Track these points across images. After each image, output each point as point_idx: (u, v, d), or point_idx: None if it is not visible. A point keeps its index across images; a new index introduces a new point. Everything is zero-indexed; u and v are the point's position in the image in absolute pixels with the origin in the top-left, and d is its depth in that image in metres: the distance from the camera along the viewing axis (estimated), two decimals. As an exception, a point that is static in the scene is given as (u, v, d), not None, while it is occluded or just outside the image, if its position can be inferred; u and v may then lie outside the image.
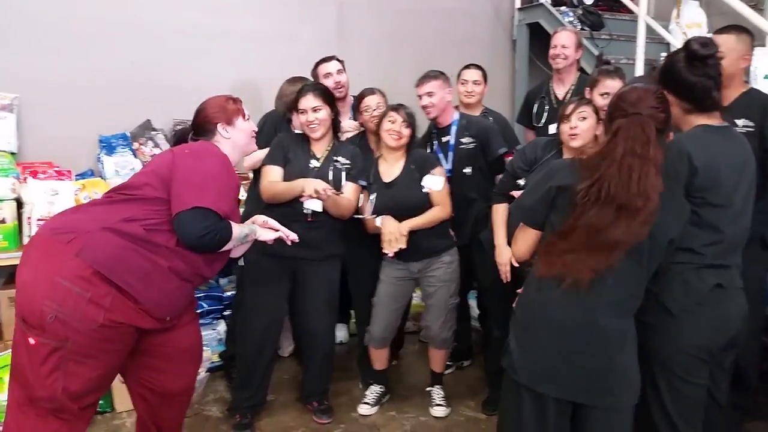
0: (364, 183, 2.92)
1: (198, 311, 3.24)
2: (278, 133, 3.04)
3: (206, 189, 1.97)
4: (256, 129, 2.36)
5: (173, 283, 1.97)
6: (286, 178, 2.80)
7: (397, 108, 2.91)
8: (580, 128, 2.55)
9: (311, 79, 3.34)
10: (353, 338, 3.92)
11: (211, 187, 1.99)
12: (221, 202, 2.00)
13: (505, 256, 2.70)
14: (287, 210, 2.73)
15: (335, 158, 2.86)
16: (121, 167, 3.55)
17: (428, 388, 3.17)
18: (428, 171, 2.88)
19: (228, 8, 4.05)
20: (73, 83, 3.63)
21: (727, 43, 2.88)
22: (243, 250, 2.31)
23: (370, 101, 3.14)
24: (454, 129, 3.19)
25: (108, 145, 3.66)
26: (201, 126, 2.23)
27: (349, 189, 2.86)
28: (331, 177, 2.80)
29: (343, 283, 3.14)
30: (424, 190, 2.86)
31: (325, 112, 2.82)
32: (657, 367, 1.95)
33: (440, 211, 2.88)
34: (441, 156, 3.18)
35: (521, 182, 2.69)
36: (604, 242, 1.69)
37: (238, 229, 2.09)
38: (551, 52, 3.53)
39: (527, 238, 1.93)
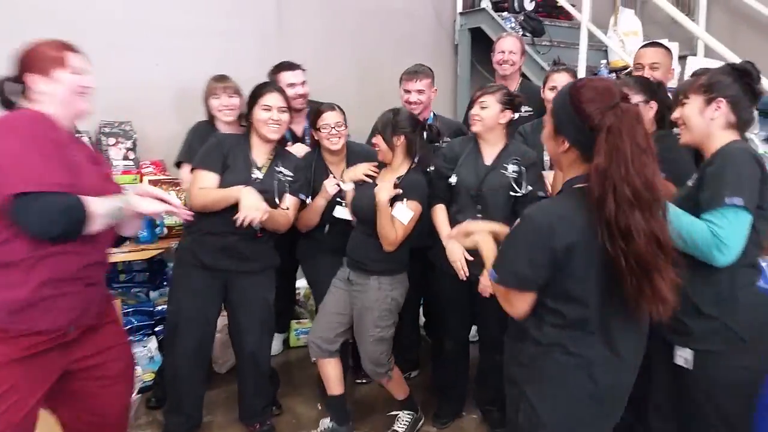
0: (304, 197, 2.76)
1: (127, 327, 3.08)
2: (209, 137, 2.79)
3: (20, 169, 1.62)
4: (87, 86, 1.89)
5: (47, 291, 1.72)
6: (223, 187, 2.56)
7: (383, 127, 2.64)
8: (480, 116, 2.68)
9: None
10: (291, 350, 3.83)
11: (25, 163, 1.63)
12: (49, 175, 1.65)
13: (456, 253, 2.63)
14: (216, 219, 2.52)
15: (278, 169, 2.68)
16: (40, 172, 3.26)
17: (394, 412, 2.98)
18: (402, 198, 2.60)
19: (160, 3, 3.81)
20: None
21: (660, 57, 2.97)
22: (135, 228, 2.05)
23: (329, 118, 2.83)
24: (429, 122, 3.16)
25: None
26: (17, 78, 1.84)
27: (290, 203, 2.69)
28: (275, 189, 2.63)
29: (280, 291, 2.97)
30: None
31: (287, 116, 2.66)
32: (725, 397, 1.89)
33: (390, 236, 2.59)
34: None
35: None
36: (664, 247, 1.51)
37: (102, 204, 1.73)
38: (498, 57, 3.48)
39: (526, 299, 1.61)
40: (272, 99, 2.62)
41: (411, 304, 3.12)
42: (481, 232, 1.83)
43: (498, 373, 2.88)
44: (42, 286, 1.71)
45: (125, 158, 3.47)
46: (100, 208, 1.71)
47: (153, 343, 3.34)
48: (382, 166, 2.75)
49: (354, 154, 2.97)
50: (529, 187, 2.65)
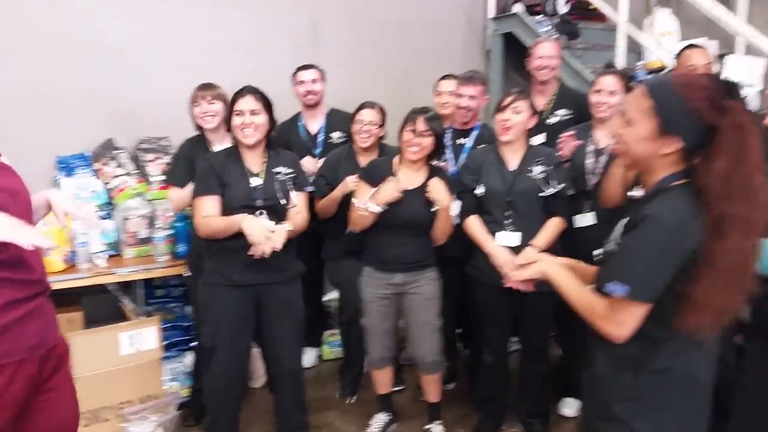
0: (311, 189, 2.73)
1: (164, 343, 3.10)
2: (198, 160, 2.75)
3: None
4: None
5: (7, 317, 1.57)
6: (227, 205, 2.55)
7: (416, 115, 2.67)
8: (513, 121, 2.66)
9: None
10: (325, 363, 3.81)
11: None
12: None
13: (503, 256, 2.62)
14: (234, 238, 2.48)
15: (276, 170, 2.64)
16: (81, 189, 3.31)
17: (426, 427, 2.99)
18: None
19: (195, 20, 3.85)
20: (28, 100, 3.39)
21: (700, 58, 2.88)
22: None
23: (364, 115, 3.05)
24: (474, 134, 3.18)
25: (66, 166, 3.42)
26: None
27: (299, 199, 2.67)
28: (278, 191, 2.60)
29: (310, 304, 2.99)
30: (433, 209, 2.67)
31: (263, 117, 2.58)
32: None
33: (446, 230, 2.73)
34: (450, 156, 3.10)
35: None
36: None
37: None
38: (536, 63, 3.41)
39: (641, 314, 1.46)
40: (242, 103, 2.54)
41: (447, 315, 3.07)
42: (545, 261, 1.74)
43: (540, 384, 2.88)
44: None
45: (163, 173, 3.50)
46: None
47: (189, 359, 3.35)
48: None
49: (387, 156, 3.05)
50: (559, 186, 2.68)
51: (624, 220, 1.58)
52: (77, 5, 3.50)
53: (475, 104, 3.15)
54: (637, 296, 1.43)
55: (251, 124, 2.54)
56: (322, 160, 3.26)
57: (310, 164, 3.24)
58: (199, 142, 3.01)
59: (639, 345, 1.49)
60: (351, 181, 2.92)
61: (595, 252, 1.77)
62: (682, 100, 1.43)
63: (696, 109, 1.41)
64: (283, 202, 2.59)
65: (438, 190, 2.63)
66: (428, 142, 2.65)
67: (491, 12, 4.90)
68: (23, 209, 1.71)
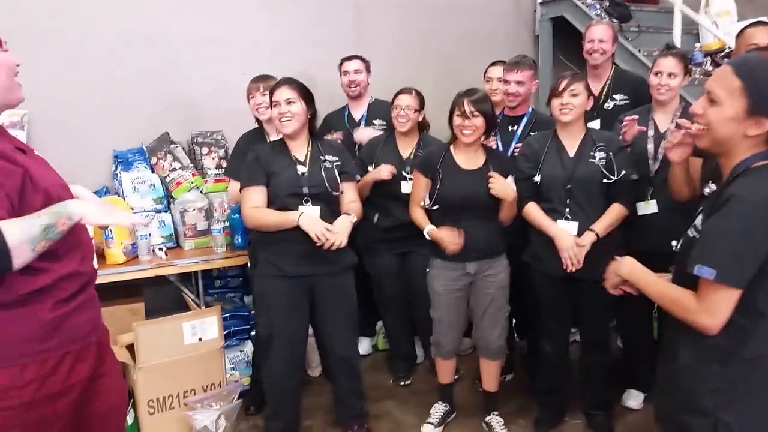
0: (359, 177, 2.72)
1: (225, 332, 3.15)
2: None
3: None
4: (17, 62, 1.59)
5: (57, 310, 1.54)
6: (273, 194, 2.57)
7: (463, 97, 2.64)
8: (572, 104, 2.61)
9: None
10: (380, 353, 3.83)
11: None
12: None
13: (568, 240, 2.59)
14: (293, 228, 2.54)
15: (322, 158, 2.65)
16: (139, 183, 3.38)
17: (486, 418, 2.96)
18: (507, 176, 2.71)
19: (243, 16, 3.89)
20: (85, 97, 3.46)
21: (764, 36, 2.75)
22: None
23: (402, 100, 3.13)
24: (524, 121, 3.14)
25: (124, 161, 3.49)
26: None
27: (349, 188, 2.71)
28: (325, 179, 2.61)
29: (363, 293, 3.00)
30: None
31: (299, 106, 2.58)
32: None
33: (511, 214, 2.74)
34: (500, 144, 3.10)
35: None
36: None
37: (22, 228, 1.38)
38: (588, 46, 3.34)
39: (733, 301, 1.41)
40: (278, 94, 2.58)
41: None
42: (622, 263, 1.76)
43: (602, 375, 2.83)
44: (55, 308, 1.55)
45: (218, 167, 3.55)
46: (24, 234, 1.38)
47: (249, 347, 3.40)
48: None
49: (426, 144, 3.18)
50: (622, 172, 2.62)
51: (704, 208, 1.54)
52: (133, 3, 3.56)
53: (523, 90, 3.10)
54: (726, 280, 1.39)
55: (287, 113, 2.57)
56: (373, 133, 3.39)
57: (368, 132, 3.34)
58: (256, 134, 3.05)
59: (727, 334, 1.45)
60: (386, 171, 3.03)
61: (674, 243, 1.70)
62: None
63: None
64: (330, 189, 2.60)
65: (500, 187, 2.62)
66: (479, 122, 2.63)
67: (540, -4, 4.81)
68: None
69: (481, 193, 2.65)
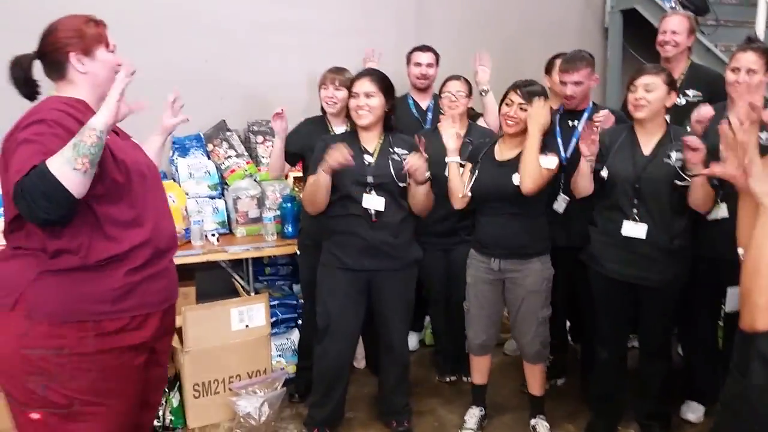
0: (428, 175, 2.65)
1: (272, 319, 3.16)
2: (315, 139, 2.78)
3: (20, 157, 1.49)
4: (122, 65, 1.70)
5: (129, 277, 1.70)
6: (338, 181, 2.54)
7: (516, 88, 2.56)
8: (645, 99, 2.45)
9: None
10: (427, 348, 3.78)
11: (26, 150, 1.50)
12: (34, 157, 1.48)
13: None
14: (349, 219, 2.56)
15: (392, 150, 2.61)
16: (195, 170, 3.42)
17: (532, 421, 2.86)
18: (543, 152, 2.52)
19: (302, 3, 3.88)
20: (143, 82, 3.47)
21: None
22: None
23: (451, 86, 3.07)
24: (585, 116, 2.98)
25: (181, 147, 3.55)
26: (49, 55, 1.69)
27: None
28: (392, 171, 2.56)
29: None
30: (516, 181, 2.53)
31: (377, 100, 2.55)
32: None
33: (539, 179, 2.49)
34: (560, 141, 2.92)
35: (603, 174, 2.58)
36: None
37: (56, 155, 1.47)
38: (659, 38, 3.17)
39: None
40: (358, 85, 2.56)
41: (558, 307, 2.92)
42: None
43: (660, 384, 2.68)
44: (130, 274, 1.70)
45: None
46: (61, 157, 1.46)
47: (296, 335, 3.40)
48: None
49: (475, 131, 3.11)
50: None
51: None
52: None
53: (580, 89, 2.92)
54: None
55: (365, 106, 2.55)
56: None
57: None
58: (320, 122, 3.02)
59: None
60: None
61: (740, 250, 1.56)
62: None
63: None
64: (396, 180, 2.56)
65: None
66: (524, 116, 2.52)
67: (611, -13, 4.61)
68: (157, 180, 1.92)
69: (502, 185, 2.54)
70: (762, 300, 1.29)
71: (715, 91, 2.91)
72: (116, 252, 1.66)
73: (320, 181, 2.49)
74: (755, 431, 1.41)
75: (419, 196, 2.59)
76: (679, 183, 2.42)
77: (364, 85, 2.55)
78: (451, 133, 2.67)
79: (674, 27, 3.14)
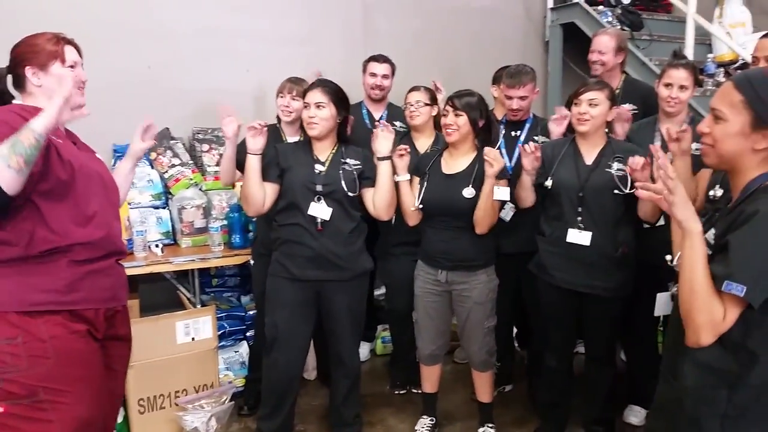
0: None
1: (219, 332, 3.10)
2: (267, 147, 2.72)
3: None
4: (83, 79, 1.92)
5: (73, 269, 1.75)
6: (288, 187, 2.56)
7: (450, 98, 2.63)
8: (590, 114, 2.54)
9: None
10: (378, 358, 3.78)
11: None
12: None
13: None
14: (295, 227, 2.55)
15: (343, 160, 2.61)
16: (138, 179, 3.32)
17: (480, 430, 2.90)
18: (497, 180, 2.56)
19: (249, 9, 3.83)
20: (86, 89, 3.40)
21: None
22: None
23: (411, 97, 3.08)
24: (527, 126, 3.08)
25: (123, 155, 3.41)
26: (11, 68, 1.83)
27: (370, 194, 2.64)
28: (342, 181, 2.57)
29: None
30: (471, 196, 2.57)
31: (328, 111, 2.55)
32: None
33: (493, 219, 2.59)
34: (504, 151, 3.01)
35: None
36: None
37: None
38: (589, 56, 3.28)
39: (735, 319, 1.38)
40: (310, 96, 2.57)
41: (505, 314, 2.98)
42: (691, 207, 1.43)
43: (605, 390, 2.76)
44: (74, 266, 1.75)
45: (218, 164, 3.49)
46: None
47: (244, 348, 3.34)
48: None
49: (442, 141, 2.97)
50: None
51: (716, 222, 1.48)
52: (137, -5, 3.52)
53: (525, 103, 3.03)
54: (752, 298, 1.32)
55: (315, 117, 2.55)
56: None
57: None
58: (274, 131, 2.99)
59: (736, 359, 1.40)
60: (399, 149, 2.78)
61: (668, 257, 1.64)
62: None
63: None
64: (346, 190, 2.56)
65: (494, 154, 2.49)
66: (462, 121, 2.58)
67: (551, 2, 4.76)
68: (114, 193, 1.98)
69: (455, 199, 2.58)
70: (702, 318, 1.35)
71: (649, 104, 3.04)
72: (59, 244, 1.71)
73: (247, 166, 2.50)
74: (685, 431, 1.48)
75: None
76: (618, 193, 2.51)
77: (315, 96, 2.55)
78: (387, 137, 2.61)
79: (600, 47, 3.24)
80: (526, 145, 2.61)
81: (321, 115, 2.54)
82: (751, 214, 1.35)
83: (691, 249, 1.37)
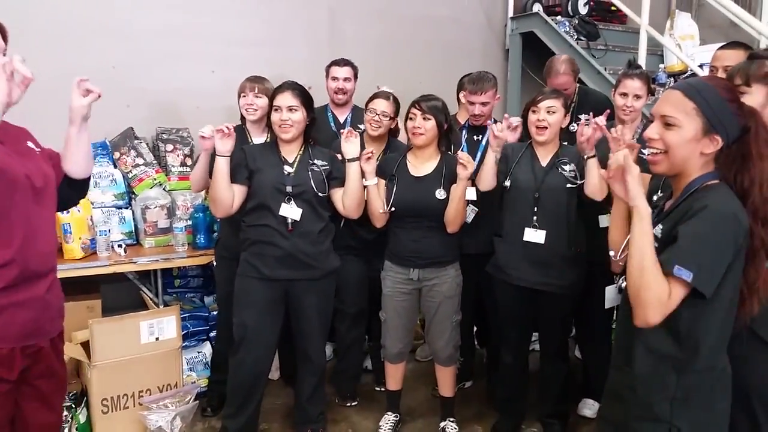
0: None
1: (183, 332, 3.10)
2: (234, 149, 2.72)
3: None
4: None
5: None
6: (257, 188, 2.59)
7: (416, 102, 2.70)
8: (547, 121, 2.65)
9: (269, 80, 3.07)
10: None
11: None
12: None
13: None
14: (265, 228, 2.58)
15: (311, 161, 2.66)
16: (101, 178, 3.30)
17: (441, 424, 2.98)
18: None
19: (214, 11, 3.85)
20: (45, 87, 3.35)
21: (736, 58, 2.82)
22: (82, 155, 1.83)
23: (377, 105, 2.95)
24: (488, 132, 3.08)
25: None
26: None
27: (338, 194, 2.70)
28: (312, 181, 2.61)
29: None
30: (442, 197, 2.67)
31: (300, 114, 2.60)
32: (756, 403, 1.75)
33: (463, 219, 2.72)
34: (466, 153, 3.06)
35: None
36: None
37: None
38: (551, 83, 3.37)
39: (678, 302, 1.46)
40: (281, 99, 2.59)
41: (466, 313, 3.06)
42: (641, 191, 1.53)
43: (559, 384, 2.87)
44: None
45: (182, 164, 3.50)
46: None
47: (207, 349, 3.35)
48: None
49: (393, 148, 3.04)
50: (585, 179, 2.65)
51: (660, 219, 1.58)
52: (100, -6, 3.50)
53: (487, 109, 3.13)
54: (700, 284, 1.42)
55: (288, 120, 2.58)
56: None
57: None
58: (239, 131, 2.96)
59: (681, 346, 1.50)
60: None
61: (612, 252, 1.76)
62: (723, 101, 1.49)
63: (735, 109, 1.49)
64: (315, 190, 2.60)
65: (467, 157, 2.60)
66: (430, 125, 2.67)
67: (511, 11, 4.89)
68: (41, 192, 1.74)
69: (428, 201, 2.68)
70: (650, 295, 1.42)
71: (602, 112, 3.16)
72: None
73: (216, 168, 2.51)
74: (637, 415, 1.57)
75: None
76: (571, 186, 2.64)
77: (287, 99, 2.58)
78: (353, 141, 2.66)
79: (563, 86, 3.24)
80: (494, 125, 2.73)
81: (294, 118, 2.58)
82: (700, 209, 1.44)
83: (641, 228, 1.46)
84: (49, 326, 1.71)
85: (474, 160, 3.11)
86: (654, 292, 1.42)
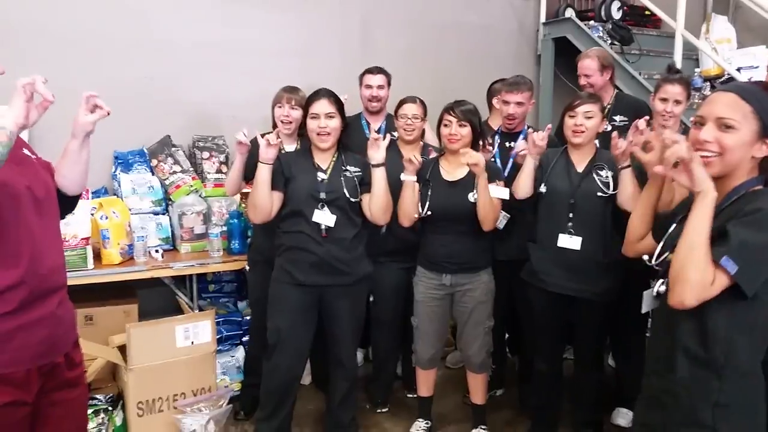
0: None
1: (216, 337, 3.15)
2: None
3: None
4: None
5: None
6: (292, 195, 2.63)
7: (451, 108, 2.71)
8: (585, 126, 2.64)
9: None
10: (371, 364, 3.75)
11: None
12: None
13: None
14: (300, 234, 2.60)
15: (344, 168, 2.68)
16: (138, 185, 3.39)
17: (473, 431, 2.97)
18: (493, 181, 2.69)
19: (248, 22, 3.91)
20: (87, 97, 3.47)
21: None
22: (79, 168, 1.72)
23: (407, 109, 3.02)
24: (522, 137, 3.16)
25: (124, 162, 3.50)
26: None
27: (366, 200, 2.71)
28: (344, 187, 2.64)
29: None
30: (472, 199, 2.67)
31: (337, 121, 2.64)
32: None
33: (495, 216, 2.72)
34: (498, 161, 3.09)
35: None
36: None
37: None
38: (579, 80, 3.37)
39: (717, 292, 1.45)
40: (318, 106, 2.62)
41: (498, 320, 3.04)
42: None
43: (593, 393, 2.83)
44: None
45: (218, 171, 3.56)
46: None
47: (240, 353, 3.39)
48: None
49: (427, 149, 3.09)
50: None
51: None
52: (137, 6, 3.60)
53: (521, 110, 3.13)
54: (742, 280, 1.40)
55: (326, 128, 2.61)
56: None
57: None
58: None
59: (724, 350, 1.49)
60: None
61: (645, 257, 1.73)
62: None
63: None
64: (348, 196, 2.63)
65: (472, 153, 2.59)
66: (466, 131, 2.69)
67: (543, 17, 4.86)
68: (45, 205, 1.68)
69: (460, 205, 2.68)
70: (695, 275, 1.40)
71: (639, 116, 3.12)
72: None
73: (258, 176, 2.54)
74: (681, 421, 1.55)
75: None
76: (602, 195, 2.61)
77: (324, 106, 2.61)
78: (380, 145, 2.65)
79: (585, 70, 3.31)
80: (535, 133, 2.72)
81: (331, 125, 2.62)
82: (753, 210, 1.43)
83: (703, 210, 1.43)
84: (63, 342, 1.67)
85: (506, 167, 3.13)
86: (700, 272, 1.40)
